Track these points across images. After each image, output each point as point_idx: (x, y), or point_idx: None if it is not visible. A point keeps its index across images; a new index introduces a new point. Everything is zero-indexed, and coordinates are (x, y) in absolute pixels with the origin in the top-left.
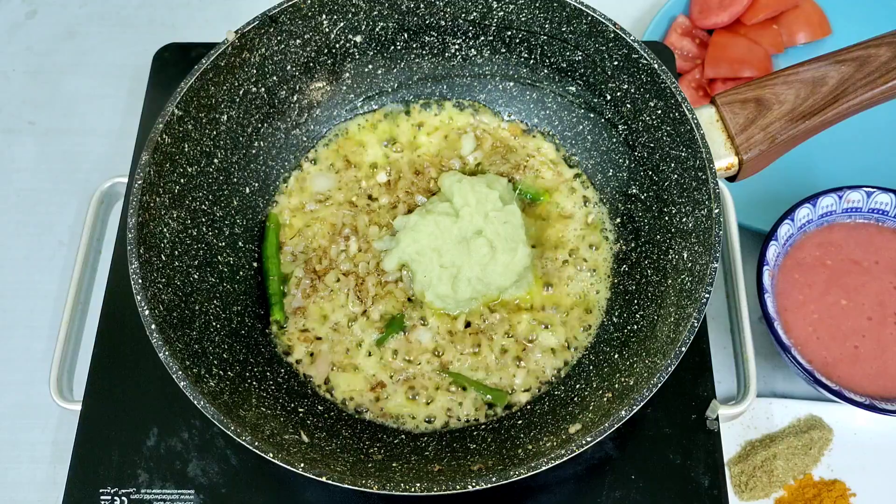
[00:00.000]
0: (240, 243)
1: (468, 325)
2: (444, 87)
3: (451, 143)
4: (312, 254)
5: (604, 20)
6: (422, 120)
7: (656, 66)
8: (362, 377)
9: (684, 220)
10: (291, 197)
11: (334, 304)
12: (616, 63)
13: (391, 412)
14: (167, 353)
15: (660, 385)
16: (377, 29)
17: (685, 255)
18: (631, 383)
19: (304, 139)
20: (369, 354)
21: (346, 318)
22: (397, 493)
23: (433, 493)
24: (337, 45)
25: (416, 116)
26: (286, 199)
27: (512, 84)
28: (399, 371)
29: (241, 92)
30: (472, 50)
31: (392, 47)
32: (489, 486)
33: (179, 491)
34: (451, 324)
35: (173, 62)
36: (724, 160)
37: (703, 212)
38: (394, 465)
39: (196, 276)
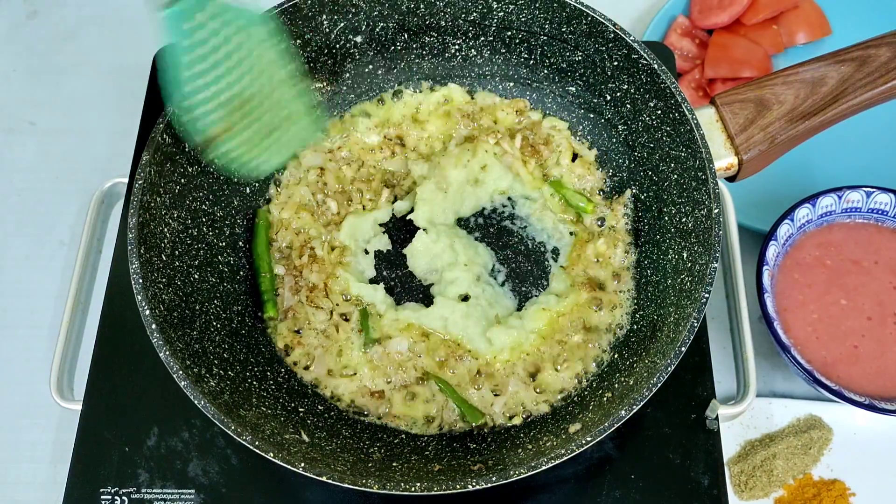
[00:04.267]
0: (240, 243)
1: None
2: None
3: (449, 125)
4: (294, 251)
5: (604, 20)
6: (418, 101)
7: (656, 66)
8: (359, 380)
9: (684, 220)
10: (289, 188)
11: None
12: (616, 63)
13: (391, 412)
14: (167, 352)
15: (660, 385)
16: (377, 29)
17: (685, 255)
18: (631, 383)
19: None
20: (364, 352)
21: (329, 322)
22: (397, 492)
23: (433, 492)
24: (337, 45)
25: (411, 101)
26: (284, 193)
27: (512, 84)
28: (394, 372)
29: None
30: (472, 50)
31: (392, 47)
32: (489, 485)
33: (180, 491)
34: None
35: None
36: (723, 160)
37: (702, 212)
38: (394, 464)
39: (196, 276)
